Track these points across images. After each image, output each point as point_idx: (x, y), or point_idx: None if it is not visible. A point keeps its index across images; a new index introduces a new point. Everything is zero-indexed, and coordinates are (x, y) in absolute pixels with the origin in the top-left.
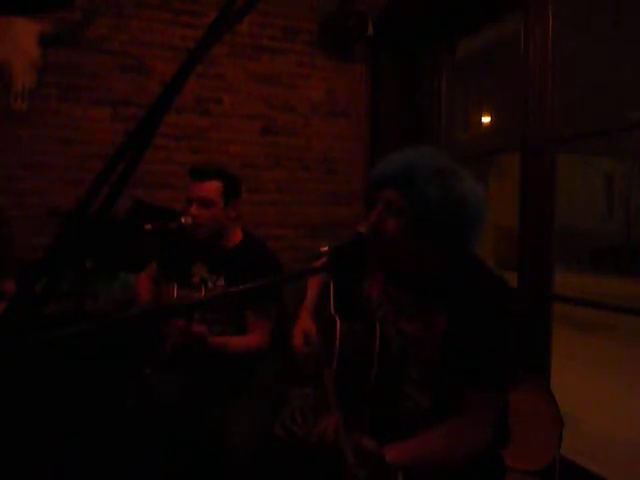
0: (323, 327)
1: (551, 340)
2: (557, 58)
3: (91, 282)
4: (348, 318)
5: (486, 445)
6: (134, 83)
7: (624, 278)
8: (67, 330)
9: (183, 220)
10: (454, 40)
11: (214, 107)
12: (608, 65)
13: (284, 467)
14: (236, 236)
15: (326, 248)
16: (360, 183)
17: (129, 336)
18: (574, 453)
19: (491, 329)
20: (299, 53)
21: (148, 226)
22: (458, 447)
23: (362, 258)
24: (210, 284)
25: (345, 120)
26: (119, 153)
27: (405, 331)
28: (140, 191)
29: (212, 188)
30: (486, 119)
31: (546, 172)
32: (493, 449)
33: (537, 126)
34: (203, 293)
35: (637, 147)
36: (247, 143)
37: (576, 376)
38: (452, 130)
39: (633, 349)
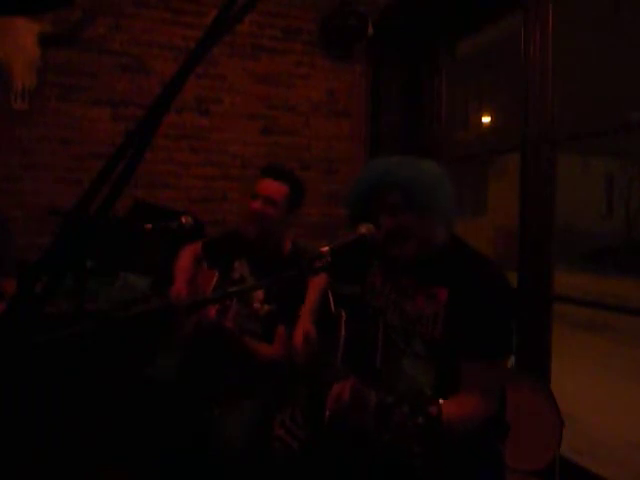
0: (325, 325)
1: (551, 340)
2: (557, 58)
3: (91, 282)
4: (350, 312)
5: (494, 412)
6: (134, 83)
7: (624, 278)
8: (67, 330)
9: (183, 220)
10: (454, 40)
11: (214, 107)
12: (608, 65)
13: (283, 467)
14: (285, 245)
15: (326, 248)
16: None
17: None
18: (574, 453)
19: (490, 297)
20: (299, 53)
21: (148, 226)
22: (474, 415)
23: (362, 258)
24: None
25: (345, 120)
26: (119, 153)
27: (408, 311)
28: (140, 191)
29: (280, 190)
30: (486, 119)
31: (546, 172)
32: (492, 443)
33: (537, 126)
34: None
35: (637, 147)
36: (247, 143)
37: (576, 376)
38: (452, 130)
39: (633, 349)
